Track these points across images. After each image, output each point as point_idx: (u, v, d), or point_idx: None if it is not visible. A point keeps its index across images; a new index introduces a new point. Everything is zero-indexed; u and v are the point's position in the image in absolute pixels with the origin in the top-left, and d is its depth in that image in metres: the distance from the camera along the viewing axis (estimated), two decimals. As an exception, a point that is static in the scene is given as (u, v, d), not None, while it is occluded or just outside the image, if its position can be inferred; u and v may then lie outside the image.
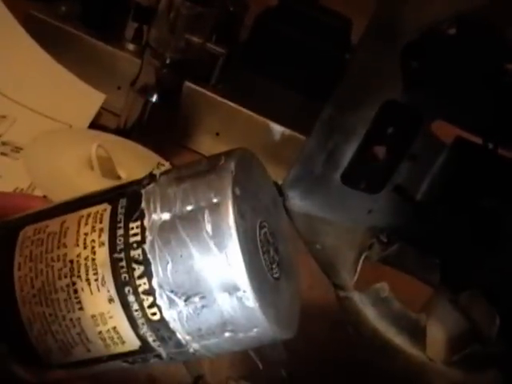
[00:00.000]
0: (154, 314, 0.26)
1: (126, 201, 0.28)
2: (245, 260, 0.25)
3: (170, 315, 0.26)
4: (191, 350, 0.27)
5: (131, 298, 0.26)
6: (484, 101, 0.59)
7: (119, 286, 0.26)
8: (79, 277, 0.27)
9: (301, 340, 0.52)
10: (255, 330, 0.26)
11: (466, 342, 0.58)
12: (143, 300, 0.26)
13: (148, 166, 0.68)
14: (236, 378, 0.51)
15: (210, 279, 0.25)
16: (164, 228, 0.26)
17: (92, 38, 0.81)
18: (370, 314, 0.59)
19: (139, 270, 0.26)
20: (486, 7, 0.55)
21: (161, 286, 0.26)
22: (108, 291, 0.27)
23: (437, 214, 0.64)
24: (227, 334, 0.26)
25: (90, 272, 0.27)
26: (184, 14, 0.69)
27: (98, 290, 0.27)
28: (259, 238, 0.27)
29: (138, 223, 0.26)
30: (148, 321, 0.26)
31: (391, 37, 0.58)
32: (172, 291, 0.26)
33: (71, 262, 0.27)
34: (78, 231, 0.28)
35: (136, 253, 0.26)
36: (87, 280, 0.27)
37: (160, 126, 0.75)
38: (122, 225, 0.27)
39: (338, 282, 0.62)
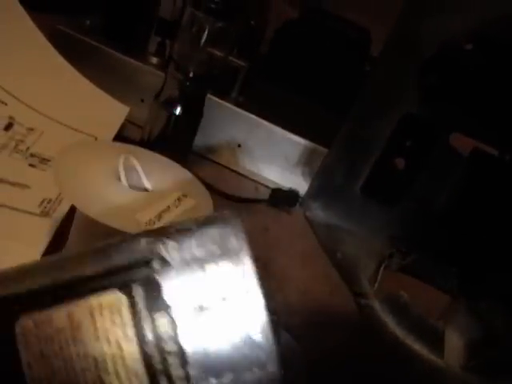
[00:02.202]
0: None
1: (141, 289, 0.27)
2: None
3: None
4: None
5: None
6: (500, 113, 0.60)
7: (152, 378, 0.26)
8: (107, 372, 0.26)
9: (321, 346, 0.53)
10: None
11: (483, 349, 0.59)
12: None
13: (173, 177, 0.69)
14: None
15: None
16: (196, 318, 0.26)
17: (116, 51, 0.83)
18: (390, 321, 0.60)
19: (174, 361, 0.26)
20: (500, 23, 0.56)
21: (196, 372, 0.26)
22: None
23: (454, 224, 0.64)
24: None
25: (120, 367, 0.26)
26: (207, 28, 0.70)
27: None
28: None
29: (164, 314, 0.26)
30: None
31: (410, 52, 0.60)
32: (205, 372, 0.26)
33: (95, 358, 0.26)
34: (94, 326, 0.26)
35: (169, 345, 0.26)
36: (117, 375, 0.26)
37: (183, 137, 0.77)
38: (146, 317, 0.26)
39: (358, 290, 0.63)
